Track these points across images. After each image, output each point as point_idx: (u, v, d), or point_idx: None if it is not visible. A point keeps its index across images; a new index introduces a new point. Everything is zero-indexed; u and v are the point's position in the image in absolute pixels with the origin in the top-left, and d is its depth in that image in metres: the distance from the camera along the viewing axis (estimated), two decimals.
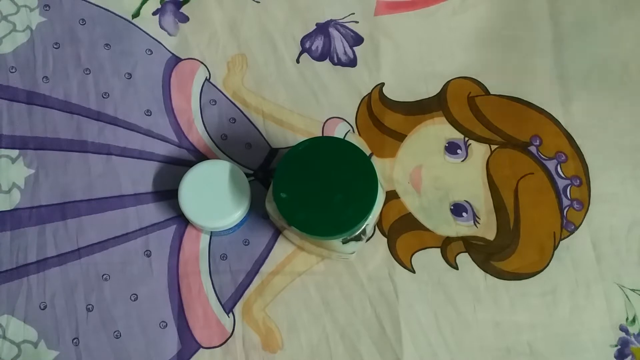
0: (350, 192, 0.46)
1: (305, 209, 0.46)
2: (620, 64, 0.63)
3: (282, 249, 0.57)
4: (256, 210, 0.56)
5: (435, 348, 0.55)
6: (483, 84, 0.62)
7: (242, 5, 0.63)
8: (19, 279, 0.55)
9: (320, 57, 0.62)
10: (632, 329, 0.56)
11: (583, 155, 0.60)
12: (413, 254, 0.57)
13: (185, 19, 0.63)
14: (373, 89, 0.61)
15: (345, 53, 0.62)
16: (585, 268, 0.57)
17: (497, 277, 0.57)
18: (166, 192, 0.58)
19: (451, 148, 0.60)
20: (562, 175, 0.59)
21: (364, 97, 0.61)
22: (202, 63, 0.61)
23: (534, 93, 0.61)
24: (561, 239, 0.58)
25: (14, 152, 0.58)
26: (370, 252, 0.57)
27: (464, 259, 0.57)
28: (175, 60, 0.61)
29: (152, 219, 0.57)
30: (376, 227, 0.58)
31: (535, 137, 0.60)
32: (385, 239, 0.58)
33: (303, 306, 0.56)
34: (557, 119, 0.61)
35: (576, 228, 0.58)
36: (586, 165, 0.60)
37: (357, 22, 0.63)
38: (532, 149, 0.60)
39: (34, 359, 0.54)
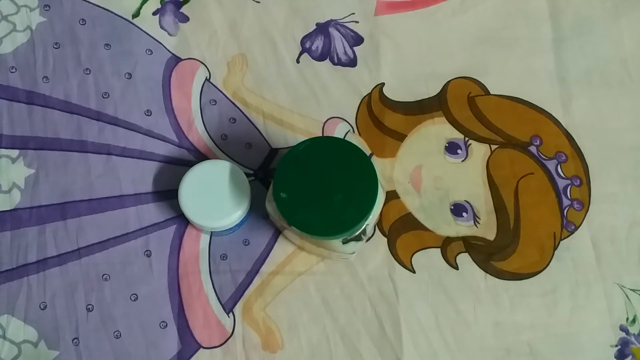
0: (351, 192, 0.46)
1: (305, 209, 0.46)
2: (620, 64, 0.63)
3: (282, 249, 0.57)
4: (256, 210, 0.56)
5: (435, 348, 0.55)
6: (483, 84, 0.62)
7: (242, 5, 0.63)
8: (19, 279, 0.55)
9: (320, 57, 0.62)
10: (632, 329, 0.56)
11: (583, 155, 0.60)
12: (413, 254, 0.57)
13: (185, 19, 0.63)
14: (373, 89, 0.61)
15: (346, 53, 0.62)
16: (585, 268, 0.57)
17: (497, 277, 0.57)
18: (166, 192, 0.58)
19: (451, 148, 0.60)
20: (562, 175, 0.59)
21: (364, 97, 0.61)
22: (202, 63, 0.61)
23: (534, 93, 0.61)
24: (561, 239, 0.58)
25: (14, 152, 0.58)
26: (370, 252, 0.57)
27: (464, 259, 0.57)
28: (175, 60, 0.61)
29: (152, 219, 0.57)
30: (376, 227, 0.58)
31: (536, 137, 0.60)
32: (385, 239, 0.58)
33: (303, 306, 0.56)
34: (557, 119, 0.61)
35: (576, 228, 0.58)
36: (586, 165, 0.60)
37: (357, 22, 0.63)
38: (532, 149, 0.60)
39: (34, 359, 0.54)
